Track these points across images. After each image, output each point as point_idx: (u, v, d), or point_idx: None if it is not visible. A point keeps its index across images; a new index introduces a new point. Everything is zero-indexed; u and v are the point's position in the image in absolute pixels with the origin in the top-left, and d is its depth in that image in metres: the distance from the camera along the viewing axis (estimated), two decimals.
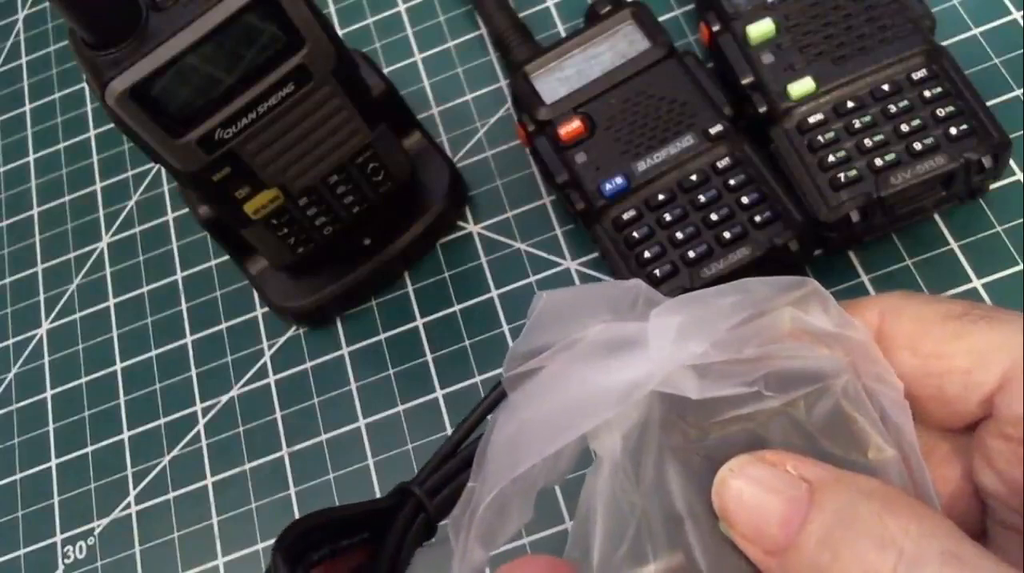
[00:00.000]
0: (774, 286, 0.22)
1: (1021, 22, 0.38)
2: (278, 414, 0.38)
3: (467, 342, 0.37)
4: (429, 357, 0.37)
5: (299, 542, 0.20)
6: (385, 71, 0.44)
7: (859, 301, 0.21)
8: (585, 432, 0.21)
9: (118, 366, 0.40)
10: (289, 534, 0.20)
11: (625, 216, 0.34)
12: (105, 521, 0.38)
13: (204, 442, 0.38)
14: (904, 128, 0.32)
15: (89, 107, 0.47)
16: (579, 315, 0.23)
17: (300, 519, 0.21)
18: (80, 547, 0.37)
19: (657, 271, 0.33)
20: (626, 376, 0.21)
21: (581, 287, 0.28)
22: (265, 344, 0.39)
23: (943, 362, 0.20)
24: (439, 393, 0.37)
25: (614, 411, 0.21)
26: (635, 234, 0.33)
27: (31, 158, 0.47)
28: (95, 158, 0.46)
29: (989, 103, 0.33)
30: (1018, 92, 0.36)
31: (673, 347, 0.21)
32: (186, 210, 0.42)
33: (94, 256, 0.43)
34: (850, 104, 0.33)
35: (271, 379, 0.39)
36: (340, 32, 0.45)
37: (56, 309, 0.43)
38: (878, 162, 0.32)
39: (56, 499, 0.39)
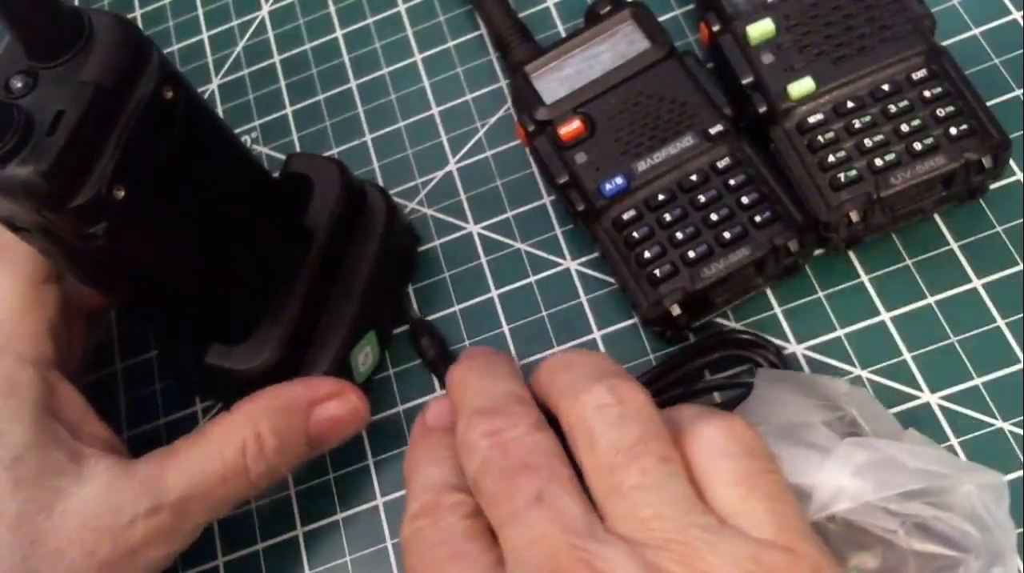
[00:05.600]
0: (964, 469, 0.27)
1: (1021, 22, 0.38)
2: None
3: (467, 342, 0.37)
4: None
5: None
6: (385, 71, 0.44)
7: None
8: None
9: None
10: None
11: (625, 216, 0.34)
12: None
13: None
14: (904, 128, 0.32)
15: None
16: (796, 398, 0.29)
17: None
18: None
19: (657, 271, 0.33)
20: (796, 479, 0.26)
21: (808, 376, 0.32)
22: None
23: None
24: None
25: None
26: (635, 234, 0.33)
27: None
28: None
29: (989, 103, 0.33)
30: (1018, 92, 0.36)
31: (846, 478, 0.26)
32: None
33: None
34: (850, 104, 0.33)
35: None
36: (340, 32, 0.45)
37: None
38: (878, 162, 0.32)
39: None
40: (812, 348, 0.34)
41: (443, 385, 0.36)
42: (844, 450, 0.27)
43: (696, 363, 0.34)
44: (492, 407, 0.27)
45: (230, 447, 0.30)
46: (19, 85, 0.26)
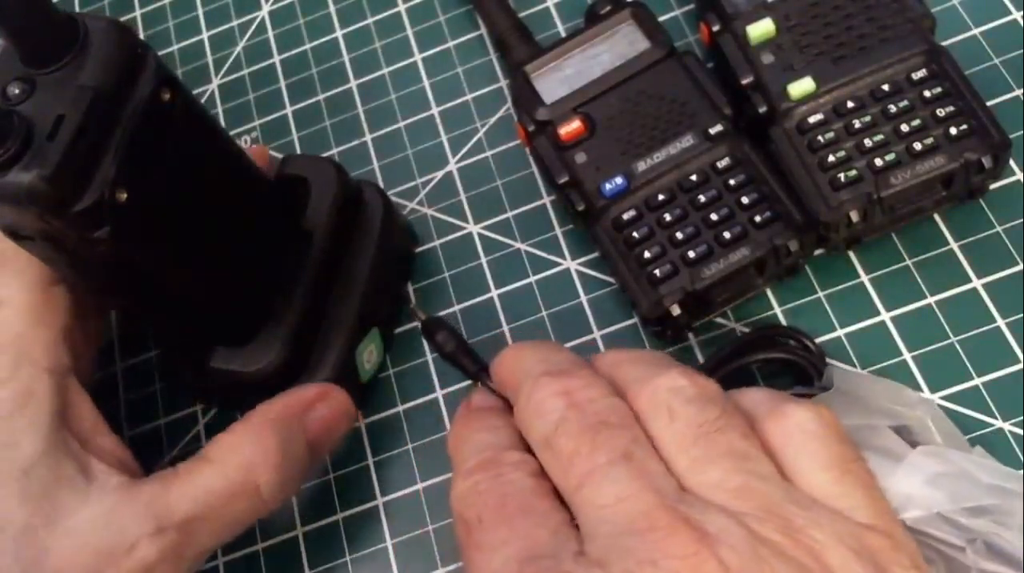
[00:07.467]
0: None
1: (1021, 22, 0.38)
2: None
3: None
4: (428, 357, 0.37)
5: None
6: (385, 71, 0.44)
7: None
8: None
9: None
10: None
11: (625, 216, 0.34)
12: None
13: (204, 442, 0.38)
14: (904, 128, 0.32)
15: None
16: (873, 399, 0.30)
17: None
18: None
19: (657, 271, 0.33)
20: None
21: (878, 381, 0.32)
22: None
23: None
24: (439, 393, 0.37)
25: None
26: (635, 234, 0.33)
27: None
28: None
29: (989, 103, 0.33)
30: (1018, 92, 0.36)
31: (917, 487, 0.26)
32: None
33: None
34: (850, 104, 0.33)
35: None
36: (340, 32, 0.45)
37: None
38: (878, 162, 0.32)
39: None
40: None
41: (466, 377, 0.34)
42: (917, 458, 0.26)
43: (747, 359, 0.33)
44: (560, 370, 0.25)
45: (232, 465, 0.30)
46: (16, 91, 0.25)
